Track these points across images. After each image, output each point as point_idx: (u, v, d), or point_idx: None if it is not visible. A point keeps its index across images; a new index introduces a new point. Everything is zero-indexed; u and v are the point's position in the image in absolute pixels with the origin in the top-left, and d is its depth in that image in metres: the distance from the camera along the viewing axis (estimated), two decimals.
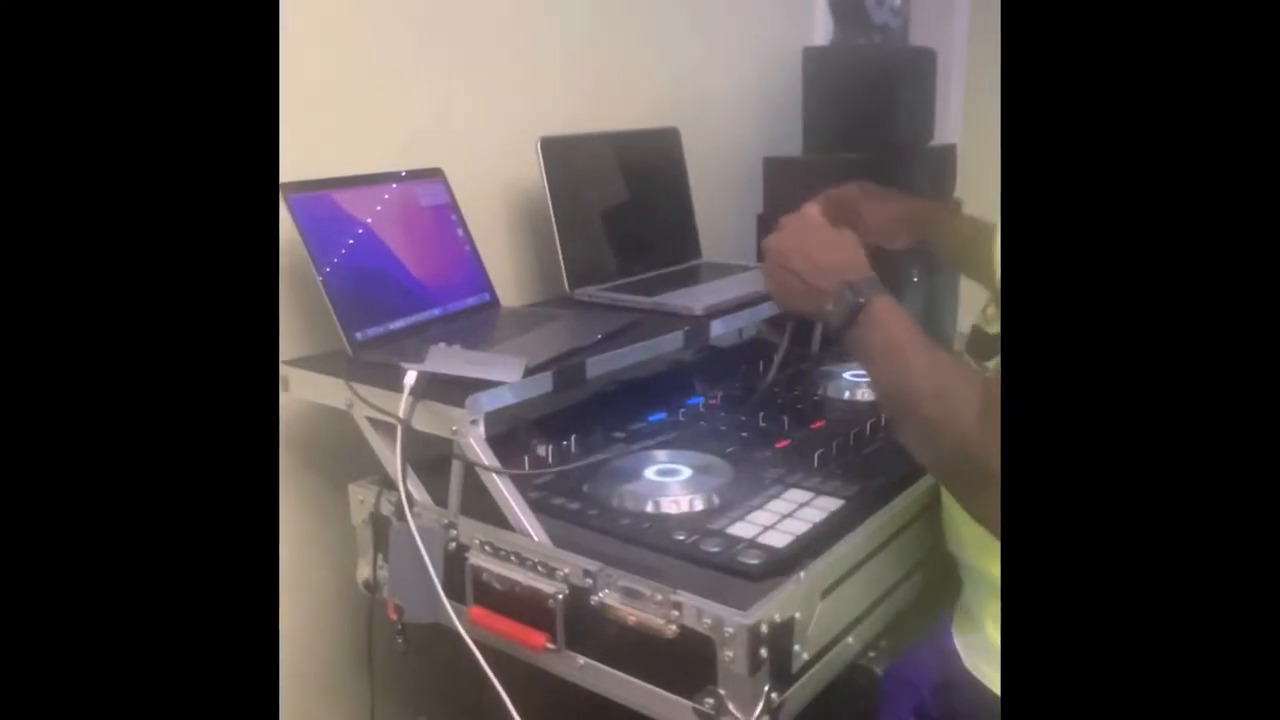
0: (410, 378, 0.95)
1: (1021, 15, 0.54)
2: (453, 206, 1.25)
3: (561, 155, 1.31)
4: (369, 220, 1.15)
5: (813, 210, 0.97)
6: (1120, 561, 0.47)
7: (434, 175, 1.24)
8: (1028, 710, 0.50)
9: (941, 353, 0.80)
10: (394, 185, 1.19)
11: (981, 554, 0.88)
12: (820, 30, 1.94)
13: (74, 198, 0.46)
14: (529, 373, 0.96)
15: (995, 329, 0.85)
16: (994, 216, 0.69)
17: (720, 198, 1.76)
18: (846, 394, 1.31)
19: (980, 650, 0.89)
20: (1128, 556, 0.47)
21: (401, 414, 0.93)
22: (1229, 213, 0.47)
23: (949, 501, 0.91)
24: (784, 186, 1.67)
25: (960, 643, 0.93)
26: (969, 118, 2.30)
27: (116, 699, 0.48)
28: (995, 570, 0.84)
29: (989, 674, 0.88)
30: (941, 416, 0.76)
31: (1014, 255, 0.53)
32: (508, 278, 1.42)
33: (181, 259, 0.50)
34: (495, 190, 1.40)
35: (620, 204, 1.42)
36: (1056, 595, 0.48)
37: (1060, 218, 0.51)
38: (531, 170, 1.35)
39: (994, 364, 0.84)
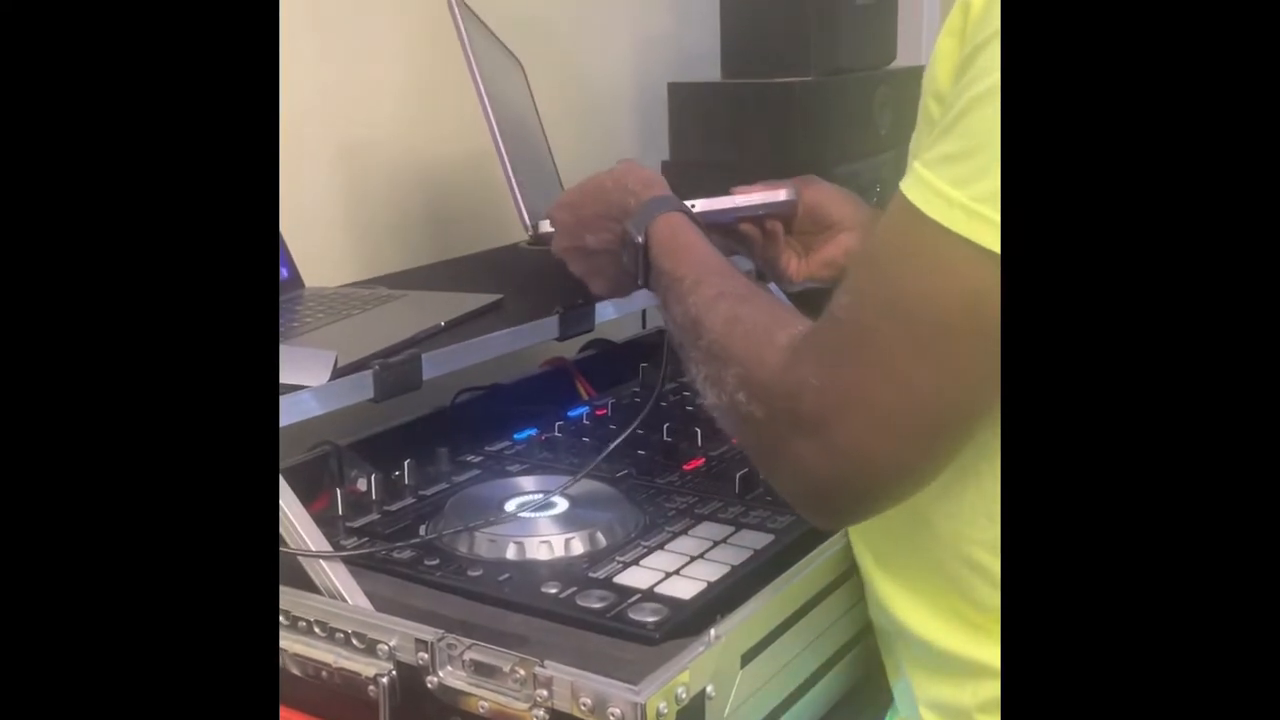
0: None
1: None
2: None
3: None
4: None
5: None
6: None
7: None
8: None
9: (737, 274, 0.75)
10: None
11: (910, 612, 0.75)
12: None
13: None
14: (340, 372, 0.88)
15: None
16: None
17: (607, 138, 1.54)
18: None
19: None
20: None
21: None
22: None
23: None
24: (696, 122, 1.48)
25: None
26: None
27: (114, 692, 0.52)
28: (943, 639, 0.72)
29: None
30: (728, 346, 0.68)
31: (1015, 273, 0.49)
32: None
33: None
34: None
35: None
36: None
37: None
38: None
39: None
